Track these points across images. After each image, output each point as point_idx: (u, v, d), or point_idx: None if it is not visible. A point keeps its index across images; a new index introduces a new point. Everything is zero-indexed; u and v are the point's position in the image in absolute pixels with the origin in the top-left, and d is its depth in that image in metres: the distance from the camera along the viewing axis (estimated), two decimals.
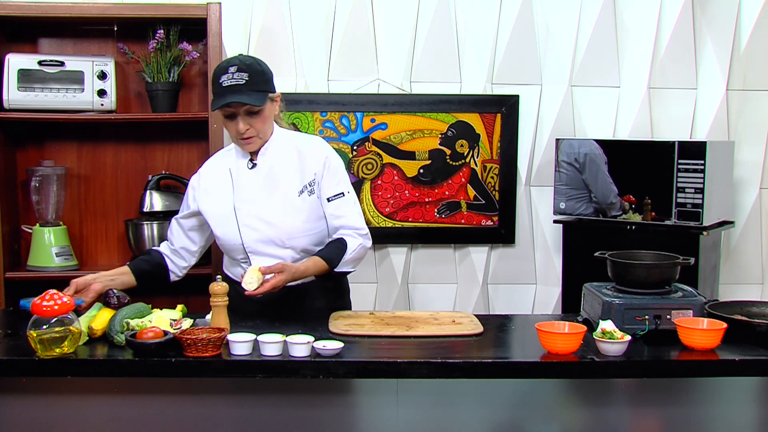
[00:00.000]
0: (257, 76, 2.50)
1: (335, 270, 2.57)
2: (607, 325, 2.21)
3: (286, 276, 2.42)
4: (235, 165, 2.66)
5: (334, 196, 2.61)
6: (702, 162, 3.21)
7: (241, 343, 2.15)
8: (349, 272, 2.67)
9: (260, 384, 2.21)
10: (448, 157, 3.74)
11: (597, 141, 3.45)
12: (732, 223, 3.58)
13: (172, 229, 2.75)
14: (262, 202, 2.60)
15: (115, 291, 2.40)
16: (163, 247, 2.75)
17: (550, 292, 3.86)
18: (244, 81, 2.46)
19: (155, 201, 3.49)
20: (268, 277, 2.39)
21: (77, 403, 2.23)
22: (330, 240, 2.63)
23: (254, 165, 2.63)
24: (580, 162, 3.46)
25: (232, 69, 2.47)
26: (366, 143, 3.72)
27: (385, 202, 3.76)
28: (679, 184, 3.26)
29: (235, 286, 2.46)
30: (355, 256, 2.60)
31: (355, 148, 3.72)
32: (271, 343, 2.14)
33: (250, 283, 2.37)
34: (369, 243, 2.65)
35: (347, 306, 2.79)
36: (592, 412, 2.29)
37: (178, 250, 2.73)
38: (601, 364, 2.13)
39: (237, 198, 2.62)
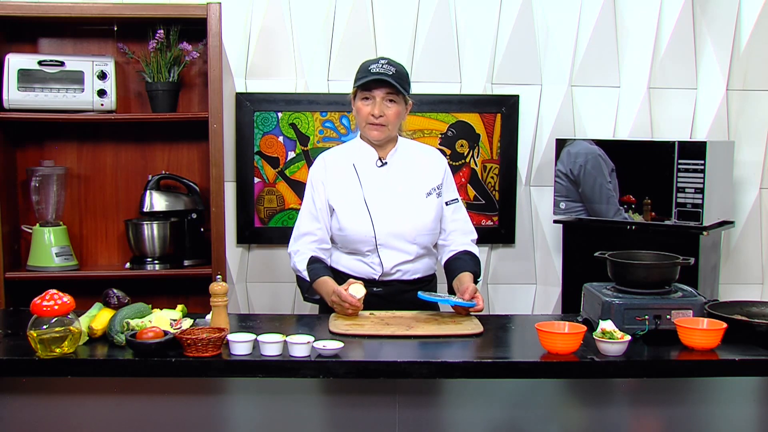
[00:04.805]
0: (402, 75, 2.68)
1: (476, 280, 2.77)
2: (607, 325, 2.21)
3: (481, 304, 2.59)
4: (359, 161, 2.74)
5: (452, 200, 2.81)
6: (702, 162, 3.21)
7: (241, 343, 2.15)
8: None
9: (260, 384, 2.21)
10: (448, 157, 3.73)
11: (598, 142, 3.44)
12: (732, 223, 3.58)
13: (319, 227, 2.72)
14: (393, 199, 2.71)
15: (115, 291, 2.40)
16: (315, 252, 2.72)
17: (550, 292, 3.86)
18: (391, 72, 2.64)
19: (155, 201, 3.49)
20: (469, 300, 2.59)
21: (77, 403, 2.23)
22: (462, 252, 2.78)
23: (384, 163, 2.73)
24: (575, 174, 3.46)
25: (383, 61, 2.67)
26: None
27: None
28: (679, 184, 3.26)
29: (345, 278, 2.63)
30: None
31: None
32: (271, 343, 2.14)
33: (359, 291, 2.53)
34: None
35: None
36: (592, 412, 2.29)
37: (326, 244, 2.75)
38: (601, 364, 2.13)
39: (366, 192, 2.70)
